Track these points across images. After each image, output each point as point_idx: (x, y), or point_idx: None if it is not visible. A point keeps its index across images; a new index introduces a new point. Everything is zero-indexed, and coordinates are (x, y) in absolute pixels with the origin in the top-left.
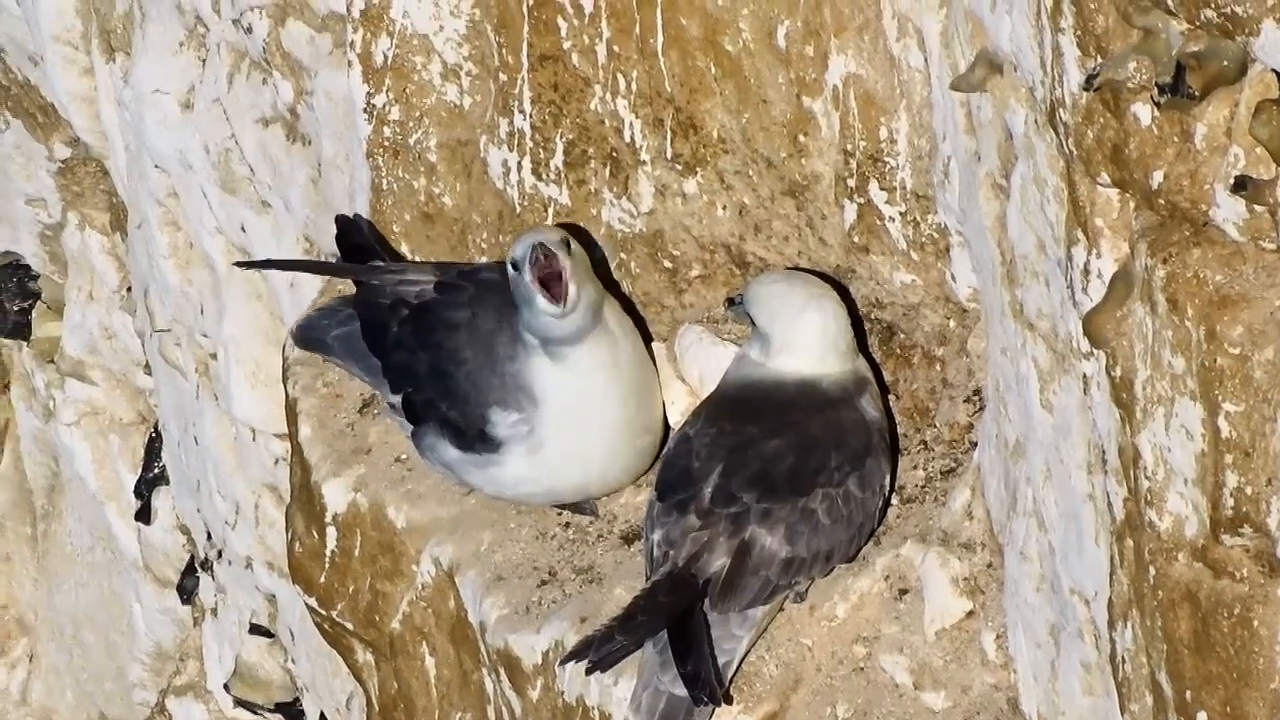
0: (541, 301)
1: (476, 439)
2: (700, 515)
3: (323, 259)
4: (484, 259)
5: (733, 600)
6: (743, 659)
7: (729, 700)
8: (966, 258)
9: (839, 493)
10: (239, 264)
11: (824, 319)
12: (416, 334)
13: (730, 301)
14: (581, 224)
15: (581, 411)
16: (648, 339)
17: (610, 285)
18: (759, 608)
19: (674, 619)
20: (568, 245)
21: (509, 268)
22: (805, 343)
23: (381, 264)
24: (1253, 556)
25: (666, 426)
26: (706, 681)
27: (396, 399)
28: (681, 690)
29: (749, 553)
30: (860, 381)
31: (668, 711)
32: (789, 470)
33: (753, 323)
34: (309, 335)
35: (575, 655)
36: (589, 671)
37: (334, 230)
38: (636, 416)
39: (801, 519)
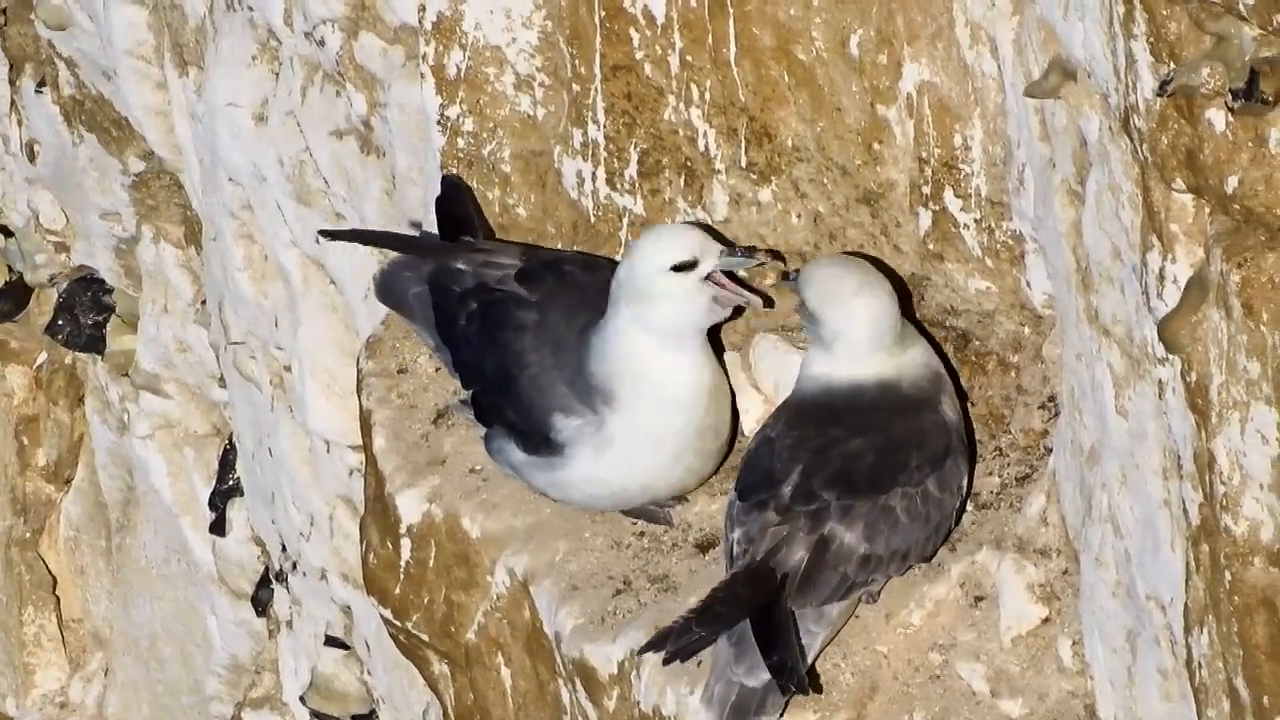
0: (732, 299)
1: (541, 443)
2: (779, 511)
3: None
4: None
5: (811, 595)
6: (817, 657)
7: (818, 689)
8: (1041, 264)
9: (918, 492)
10: (323, 232)
11: (874, 306)
12: (483, 332)
13: (785, 276)
14: None
15: (658, 410)
16: (719, 348)
17: None
18: (834, 605)
19: (752, 611)
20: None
21: (662, 273)
22: (857, 331)
23: (471, 240)
24: None
25: (734, 431)
26: (794, 670)
27: (467, 395)
28: (753, 681)
29: (827, 548)
30: (936, 378)
31: (739, 703)
32: (869, 468)
33: (805, 306)
34: (390, 288)
35: (653, 646)
36: (666, 662)
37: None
38: (710, 419)
39: (881, 516)
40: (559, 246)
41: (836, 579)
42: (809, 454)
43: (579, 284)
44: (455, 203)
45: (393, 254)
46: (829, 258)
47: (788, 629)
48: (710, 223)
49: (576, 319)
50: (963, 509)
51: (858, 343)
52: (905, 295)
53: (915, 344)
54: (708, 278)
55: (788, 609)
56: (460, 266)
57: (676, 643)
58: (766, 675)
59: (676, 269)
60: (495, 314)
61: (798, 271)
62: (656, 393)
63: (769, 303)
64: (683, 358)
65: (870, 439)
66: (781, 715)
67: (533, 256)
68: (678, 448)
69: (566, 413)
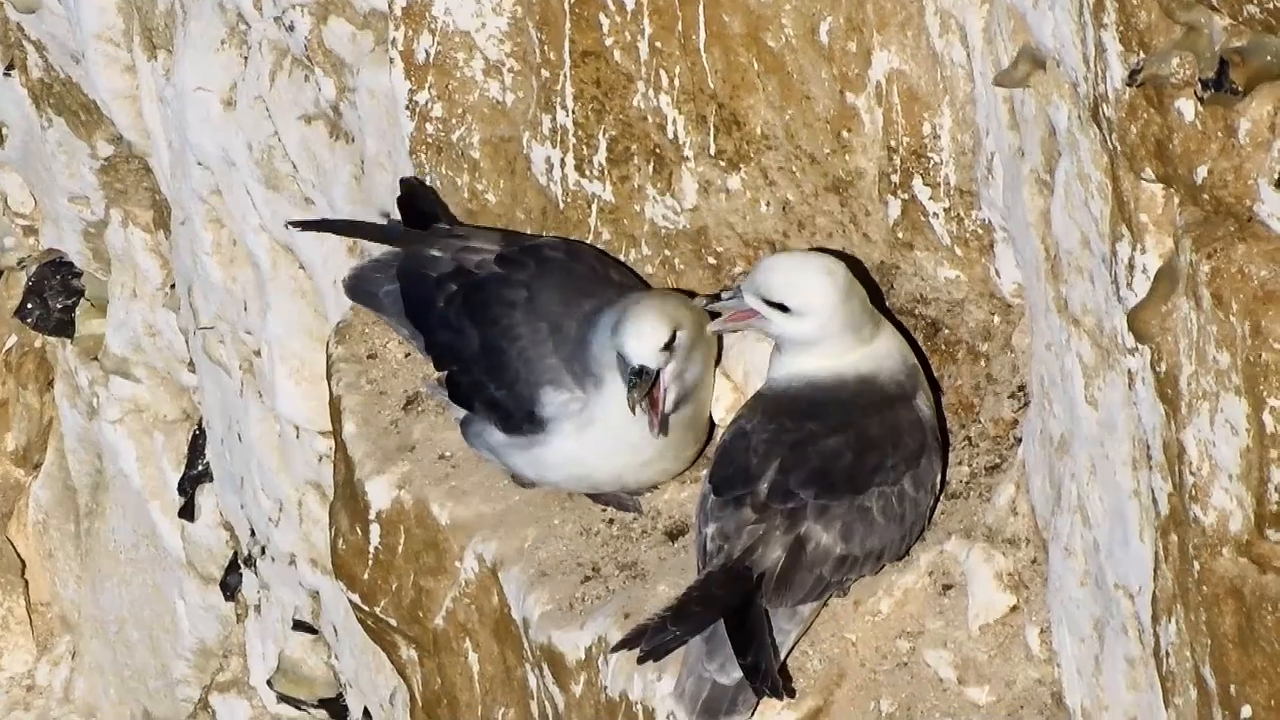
0: (637, 412)
1: (524, 420)
2: (756, 509)
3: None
4: None
5: (787, 595)
6: (789, 654)
7: (791, 693)
8: (1010, 253)
9: (894, 491)
10: (292, 223)
11: (851, 292)
12: (467, 311)
13: (716, 298)
14: (625, 220)
15: (635, 423)
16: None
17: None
18: (808, 604)
19: (728, 611)
20: (674, 339)
21: (617, 353)
22: (836, 320)
23: (445, 227)
24: None
25: (710, 430)
26: (768, 673)
27: (441, 374)
28: (725, 679)
29: (804, 548)
30: (913, 371)
31: (710, 699)
32: (847, 468)
33: (773, 306)
34: (360, 286)
35: (627, 644)
36: (641, 661)
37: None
38: (687, 431)
39: (857, 517)
40: (528, 232)
41: (812, 580)
42: (785, 449)
43: (566, 267)
44: (420, 200)
45: (365, 255)
46: (787, 255)
47: (763, 630)
48: (679, 210)
49: (578, 301)
50: (936, 506)
51: (836, 333)
52: (872, 283)
53: (887, 333)
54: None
55: (762, 609)
56: (435, 253)
57: (651, 641)
58: (739, 673)
59: (621, 357)
60: (480, 293)
61: (731, 292)
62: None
63: (664, 430)
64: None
65: (847, 436)
66: (752, 714)
67: (511, 241)
68: (651, 455)
69: (556, 386)
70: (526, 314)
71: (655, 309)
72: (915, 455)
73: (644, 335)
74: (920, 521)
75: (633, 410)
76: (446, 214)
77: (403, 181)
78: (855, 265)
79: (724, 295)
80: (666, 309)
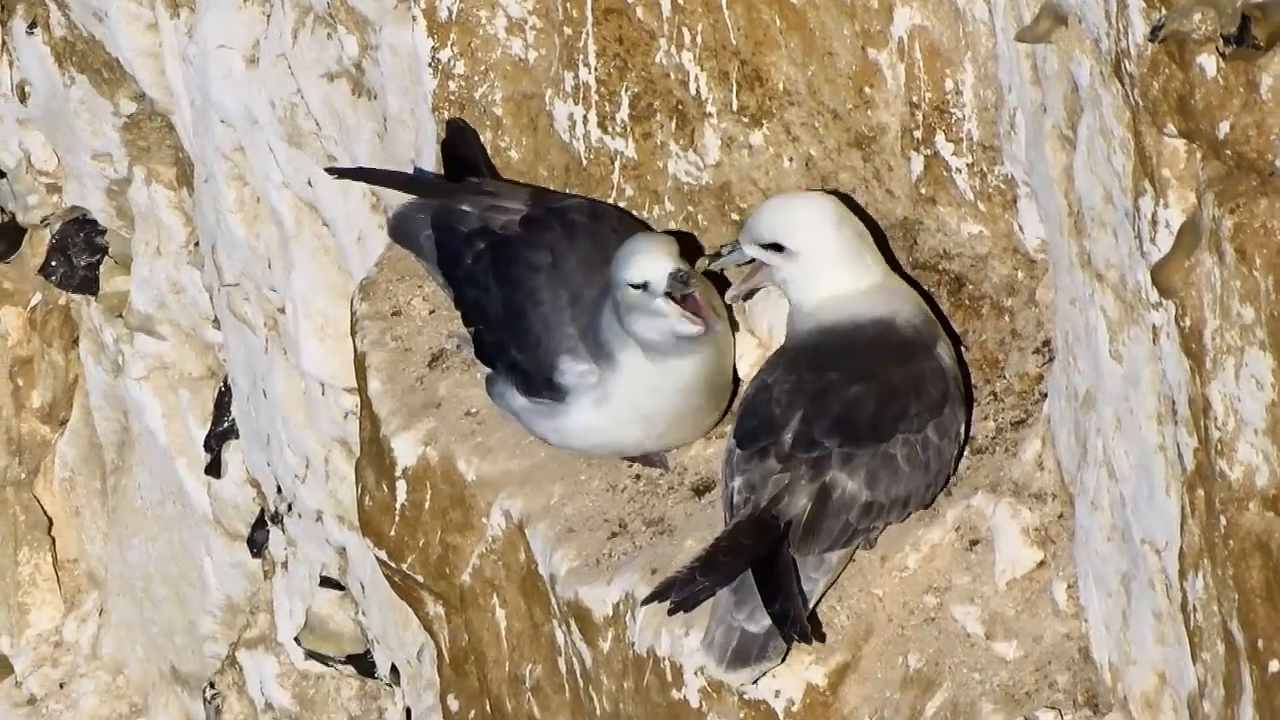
0: (684, 325)
1: (544, 386)
2: (781, 459)
3: (403, 181)
4: None
5: (814, 543)
6: (817, 603)
7: (821, 638)
8: (1034, 209)
9: (918, 439)
10: (329, 170)
11: (826, 215)
12: (493, 270)
13: (716, 255)
14: (648, 176)
15: (653, 392)
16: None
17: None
18: (835, 552)
19: (757, 560)
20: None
21: (625, 287)
22: (830, 244)
23: (476, 181)
24: None
25: (734, 389)
26: (797, 619)
27: (469, 331)
28: (754, 627)
29: (830, 496)
30: (929, 320)
31: (740, 648)
32: (870, 416)
33: (770, 248)
34: (403, 228)
35: (657, 596)
36: (671, 612)
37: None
38: (708, 398)
39: (882, 464)
40: (552, 188)
41: (839, 527)
42: (808, 400)
43: (591, 232)
44: (460, 144)
45: (405, 196)
46: (776, 196)
47: (790, 579)
48: (702, 166)
49: (600, 269)
50: (961, 455)
51: (835, 264)
52: (879, 231)
53: (896, 279)
54: (669, 296)
55: (790, 557)
56: (465, 208)
57: (681, 593)
58: (768, 621)
59: (634, 286)
60: (506, 253)
61: (729, 247)
62: (652, 379)
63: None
64: (678, 362)
65: (869, 384)
66: (783, 660)
67: (539, 201)
68: (669, 422)
69: (574, 356)
70: (550, 279)
71: (648, 235)
72: (938, 404)
73: (654, 248)
74: (945, 470)
75: (690, 326)
76: (486, 160)
77: (449, 123)
78: (850, 203)
79: (723, 251)
80: (659, 235)
